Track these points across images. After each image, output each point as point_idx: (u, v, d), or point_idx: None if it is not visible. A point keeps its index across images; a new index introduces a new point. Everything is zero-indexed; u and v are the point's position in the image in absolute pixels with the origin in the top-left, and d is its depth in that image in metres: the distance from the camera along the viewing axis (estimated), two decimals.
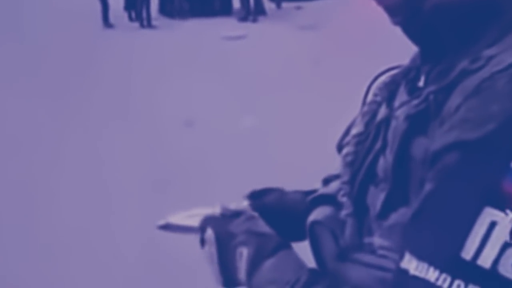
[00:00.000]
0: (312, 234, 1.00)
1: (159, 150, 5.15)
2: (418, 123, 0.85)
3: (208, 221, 1.03)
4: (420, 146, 0.83)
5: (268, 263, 0.92)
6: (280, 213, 1.15)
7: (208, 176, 4.50)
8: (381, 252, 0.88)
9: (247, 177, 3.82)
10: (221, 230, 0.98)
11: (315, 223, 1.00)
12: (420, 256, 0.71)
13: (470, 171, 0.70)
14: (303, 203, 1.12)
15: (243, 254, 0.94)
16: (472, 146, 0.71)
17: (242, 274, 0.95)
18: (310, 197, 1.06)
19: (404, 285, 0.71)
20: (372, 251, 0.89)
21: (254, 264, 0.93)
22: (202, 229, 1.03)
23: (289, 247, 0.96)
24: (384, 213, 0.89)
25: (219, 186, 3.84)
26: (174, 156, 4.99)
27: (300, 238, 1.07)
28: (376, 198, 0.92)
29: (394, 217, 0.87)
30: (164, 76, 7.32)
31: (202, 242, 1.03)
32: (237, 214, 1.01)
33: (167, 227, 1.13)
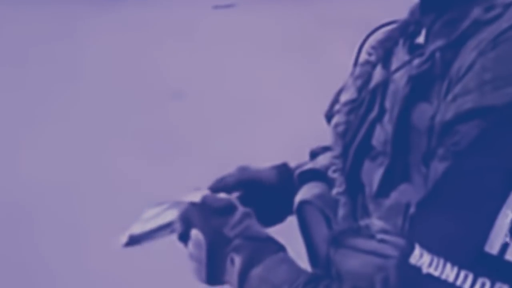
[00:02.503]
0: (301, 216, 0.91)
1: (148, 123, 5.05)
2: (422, 87, 0.74)
3: (192, 214, 0.87)
4: (424, 114, 0.73)
5: (261, 271, 0.81)
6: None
7: (198, 150, 4.40)
8: (380, 236, 0.77)
9: (241, 150, 3.71)
10: (213, 232, 0.84)
11: (303, 202, 0.90)
12: (434, 250, 0.60)
13: (493, 146, 0.58)
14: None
15: (235, 261, 0.82)
16: (494, 114, 0.59)
17: (232, 278, 0.84)
18: (297, 172, 0.96)
19: (416, 285, 0.59)
20: (370, 235, 0.78)
21: (246, 272, 0.81)
22: (184, 222, 0.88)
23: (284, 250, 0.84)
24: (382, 191, 0.80)
25: (210, 161, 3.74)
26: (163, 130, 4.89)
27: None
28: (373, 174, 0.82)
29: (395, 196, 0.78)
30: (152, 46, 7.19)
31: (183, 237, 0.88)
32: (230, 208, 0.86)
33: (133, 240, 0.92)
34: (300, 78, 5.72)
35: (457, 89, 0.66)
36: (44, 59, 6.85)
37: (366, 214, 0.83)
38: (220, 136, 4.71)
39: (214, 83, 5.88)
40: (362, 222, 0.80)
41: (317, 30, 7.30)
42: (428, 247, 0.60)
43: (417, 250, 0.61)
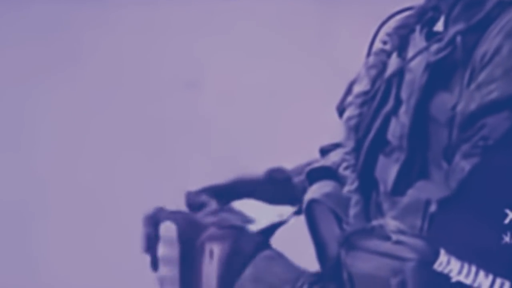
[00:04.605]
0: (310, 215, 0.86)
1: (161, 113, 5.04)
2: (441, 74, 0.70)
3: (160, 213, 0.79)
4: (444, 104, 0.69)
5: (249, 271, 0.74)
6: None
7: (212, 140, 4.38)
8: (396, 237, 0.72)
9: (253, 139, 3.70)
10: (185, 219, 0.77)
11: (313, 201, 0.86)
12: (463, 256, 0.56)
13: None
14: None
15: (214, 252, 0.75)
16: None
17: (209, 275, 0.76)
18: (307, 169, 0.91)
19: None
20: (385, 236, 0.73)
21: (229, 267, 0.74)
22: (151, 223, 0.79)
23: (268, 247, 0.77)
24: (398, 189, 0.76)
25: (224, 151, 3.73)
26: (177, 119, 4.88)
27: None
28: (388, 170, 0.78)
29: (412, 193, 0.73)
30: (165, 36, 7.18)
31: (149, 242, 0.79)
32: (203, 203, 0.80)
33: None
34: (313, 68, 5.69)
35: (481, 76, 0.62)
36: (49, 52, 6.86)
37: (380, 213, 0.79)
38: (234, 125, 4.70)
39: (227, 72, 5.86)
40: (376, 222, 0.75)
41: (331, 17, 7.28)
42: (456, 253, 0.56)
43: (444, 256, 0.57)
